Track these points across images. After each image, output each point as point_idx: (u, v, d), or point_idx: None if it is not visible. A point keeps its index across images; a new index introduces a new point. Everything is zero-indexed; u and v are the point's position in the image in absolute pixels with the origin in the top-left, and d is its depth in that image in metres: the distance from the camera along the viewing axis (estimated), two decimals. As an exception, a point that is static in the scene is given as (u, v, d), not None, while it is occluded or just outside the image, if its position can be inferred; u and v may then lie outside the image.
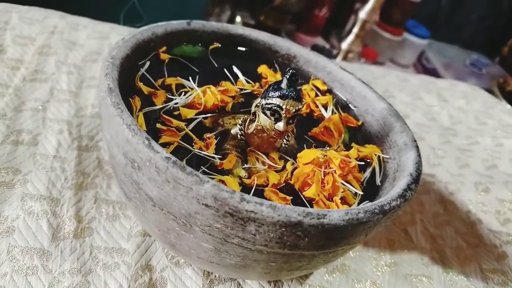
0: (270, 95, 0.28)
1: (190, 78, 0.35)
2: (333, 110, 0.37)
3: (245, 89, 0.36)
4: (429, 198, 0.51)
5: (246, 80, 0.38)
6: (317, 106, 0.37)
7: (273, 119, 0.28)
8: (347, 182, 0.30)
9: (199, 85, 0.34)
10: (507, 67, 1.39)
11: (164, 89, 0.33)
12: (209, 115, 0.32)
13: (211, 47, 0.40)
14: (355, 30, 1.08)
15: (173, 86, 0.34)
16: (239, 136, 0.31)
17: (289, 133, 0.31)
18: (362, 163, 0.33)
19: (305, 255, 0.26)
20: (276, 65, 0.41)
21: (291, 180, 0.29)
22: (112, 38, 0.57)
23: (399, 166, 0.32)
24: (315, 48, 1.17)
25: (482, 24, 1.47)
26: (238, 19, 1.17)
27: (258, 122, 0.29)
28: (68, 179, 0.37)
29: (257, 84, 0.38)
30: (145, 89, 0.32)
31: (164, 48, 0.36)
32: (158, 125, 0.29)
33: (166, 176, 0.23)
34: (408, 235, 0.45)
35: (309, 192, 0.28)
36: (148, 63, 0.35)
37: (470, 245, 0.46)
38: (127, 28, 0.61)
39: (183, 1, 0.91)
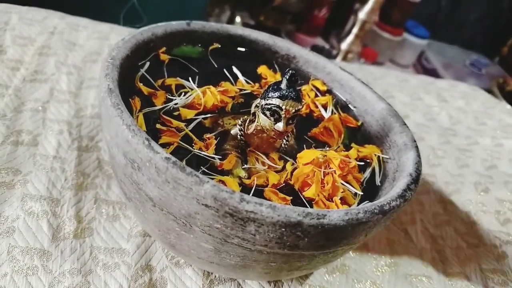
0: (269, 95, 0.28)
1: (190, 78, 0.35)
2: (332, 110, 0.38)
3: (244, 90, 0.36)
4: (429, 198, 0.51)
5: (246, 81, 0.38)
6: (316, 107, 0.37)
7: (272, 120, 0.28)
8: (347, 182, 0.30)
9: (199, 86, 0.34)
10: (507, 67, 1.39)
11: (164, 89, 0.33)
12: (209, 115, 0.32)
13: (210, 47, 0.40)
14: (355, 30, 1.08)
15: (173, 87, 0.34)
16: (239, 136, 0.31)
17: (288, 134, 0.31)
18: (362, 163, 0.33)
19: (305, 255, 0.26)
20: (275, 66, 0.41)
21: (290, 180, 0.29)
22: (112, 39, 0.57)
23: (399, 166, 0.32)
24: (315, 48, 1.17)
25: (482, 24, 1.47)
26: (238, 19, 1.17)
27: (257, 122, 0.29)
28: (68, 180, 0.37)
29: (257, 84, 0.38)
30: (145, 90, 0.32)
31: (164, 49, 0.36)
32: (158, 126, 0.29)
33: (166, 176, 0.23)
34: (408, 235, 0.45)
35: (309, 192, 0.28)
36: (148, 63, 0.35)
37: (470, 245, 0.46)
38: (127, 29, 0.61)
39: (183, 2, 0.91)
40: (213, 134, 0.31)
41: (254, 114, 0.30)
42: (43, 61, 0.49)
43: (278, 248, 0.24)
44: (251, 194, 0.26)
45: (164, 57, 0.36)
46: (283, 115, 0.28)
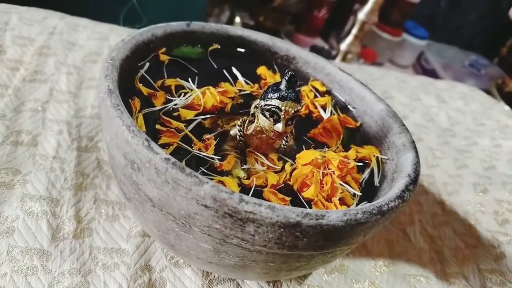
0: (269, 96, 0.28)
1: (189, 79, 0.35)
2: (331, 111, 0.38)
3: (244, 90, 0.36)
4: (427, 198, 0.51)
5: (245, 81, 0.38)
6: (316, 107, 0.37)
7: (272, 120, 0.28)
8: (346, 183, 0.30)
9: (199, 86, 0.34)
10: (506, 68, 1.39)
11: (163, 90, 0.33)
12: (208, 116, 0.32)
13: (210, 48, 0.40)
14: (354, 31, 1.08)
15: (173, 87, 0.34)
16: (238, 137, 0.31)
17: (288, 134, 0.31)
18: (361, 164, 0.33)
19: (304, 256, 0.26)
20: (275, 66, 0.41)
21: (290, 181, 0.29)
22: (111, 39, 0.57)
23: (398, 167, 0.32)
24: (314, 48, 1.17)
25: (481, 25, 1.47)
26: (238, 19, 1.17)
27: (257, 123, 0.29)
28: (68, 180, 0.37)
29: (256, 85, 0.38)
30: (145, 90, 0.32)
31: (163, 49, 0.36)
32: (158, 126, 0.29)
33: (166, 177, 0.23)
34: (406, 236, 0.45)
35: (308, 193, 0.28)
36: (147, 64, 0.35)
37: (468, 245, 0.46)
38: (127, 29, 0.61)
39: (183, 2, 0.91)
40: (213, 134, 0.31)
41: (253, 114, 0.30)
42: (42, 61, 0.49)
43: (277, 248, 0.24)
44: (250, 195, 0.26)
45: (164, 57, 0.36)
46: (282, 116, 0.28)
